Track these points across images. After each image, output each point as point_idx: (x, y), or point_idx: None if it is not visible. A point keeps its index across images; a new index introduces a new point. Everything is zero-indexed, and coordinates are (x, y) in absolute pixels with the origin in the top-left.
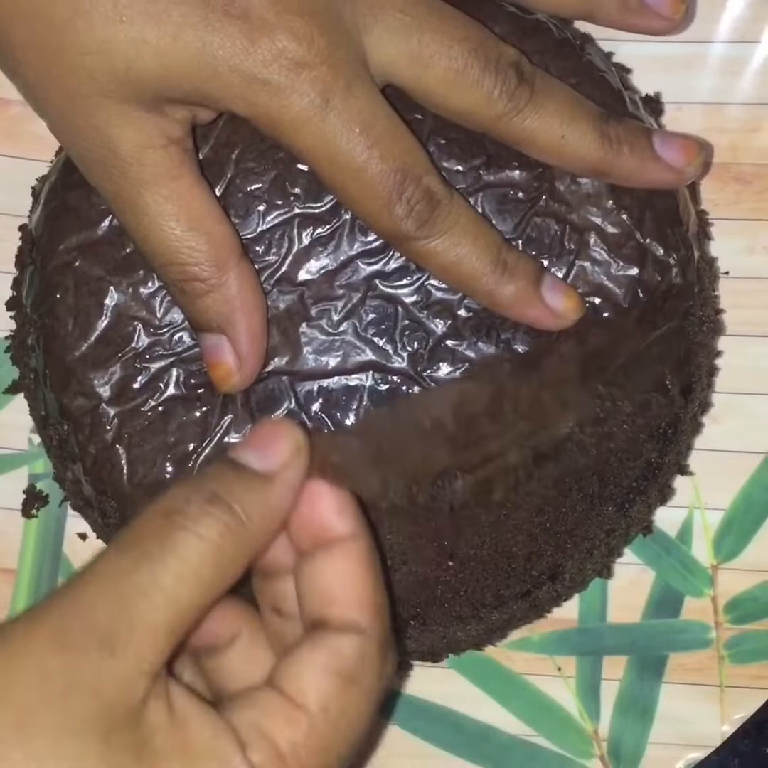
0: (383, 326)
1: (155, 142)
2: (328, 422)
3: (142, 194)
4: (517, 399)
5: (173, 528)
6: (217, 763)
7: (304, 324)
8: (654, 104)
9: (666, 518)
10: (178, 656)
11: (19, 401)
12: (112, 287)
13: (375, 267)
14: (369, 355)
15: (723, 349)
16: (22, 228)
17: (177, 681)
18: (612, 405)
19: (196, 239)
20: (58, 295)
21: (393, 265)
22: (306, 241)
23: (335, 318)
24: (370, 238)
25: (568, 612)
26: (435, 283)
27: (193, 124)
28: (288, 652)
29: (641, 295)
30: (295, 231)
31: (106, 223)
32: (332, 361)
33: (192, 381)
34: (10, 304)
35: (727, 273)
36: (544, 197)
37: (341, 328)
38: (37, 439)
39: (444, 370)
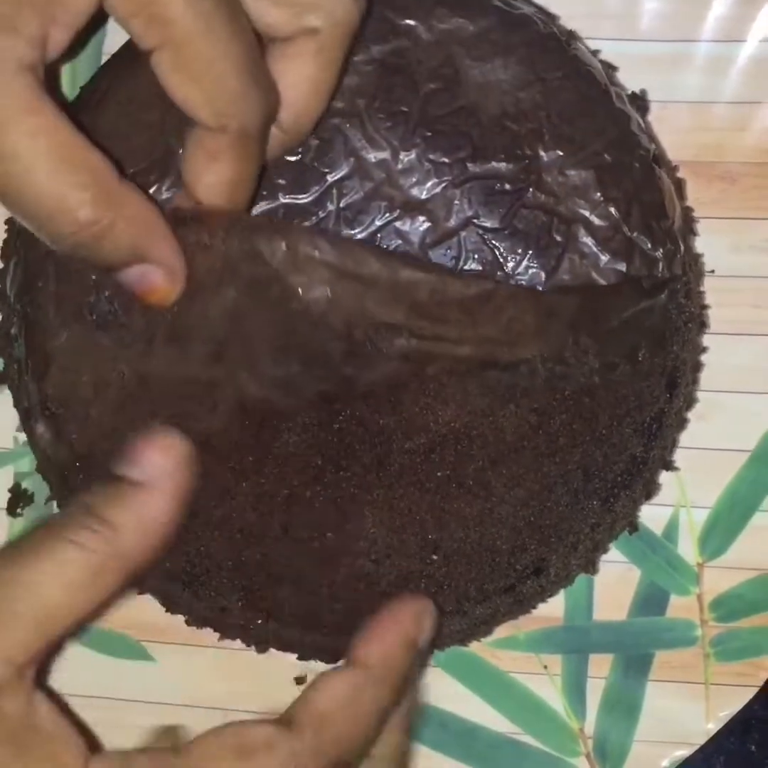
0: None
1: (6, 67)
2: None
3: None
4: (499, 308)
5: (49, 535)
6: (52, 756)
7: None
8: (640, 101)
9: (652, 516)
10: (52, 659)
11: (3, 399)
12: (92, 275)
13: None
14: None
15: (708, 347)
16: (9, 221)
17: (48, 691)
18: (581, 354)
19: (79, 175)
20: (39, 284)
21: None
22: None
23: None
24: (356, 230)
25: (554, 610)
26: None
27: (45, 47)
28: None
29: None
30: None
31: None
32: None
33: None
34: None
35: (712, 271)
36: (531, 189)
37: None
38: (22, 437)
39: None
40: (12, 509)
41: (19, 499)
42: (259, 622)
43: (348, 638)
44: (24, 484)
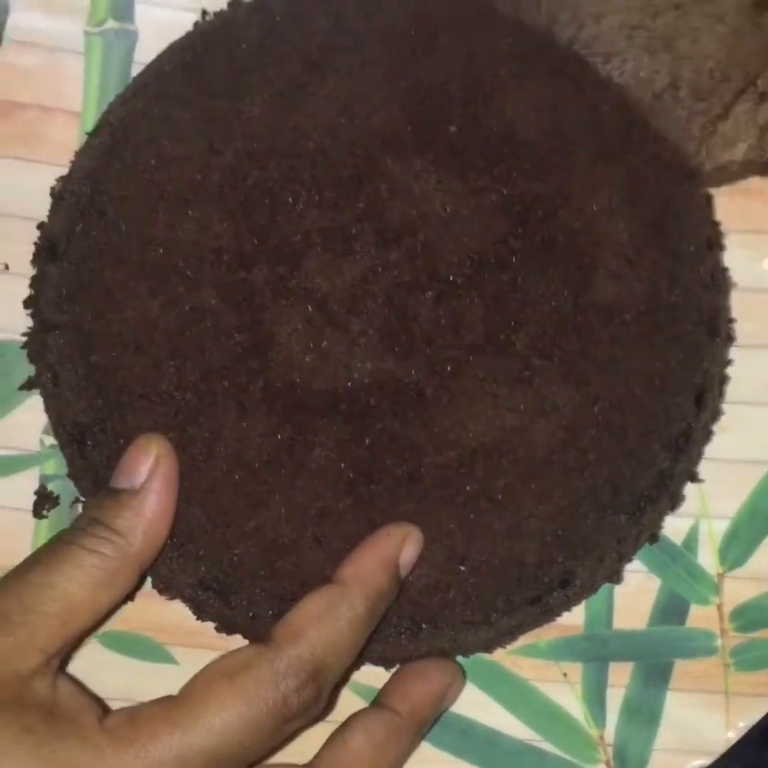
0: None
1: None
2: None
3: None
4: None
5: (64, 544)
6: (73, 723)
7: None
8: None
9: (672, 526)
10: (74, 649)
11: (31, 402)
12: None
13: None
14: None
15: (734, 359)
16: (41, 226)
17: (68, 675)
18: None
19: None
20: (84, 295)
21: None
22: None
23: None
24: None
25: (574, 618)
26: None
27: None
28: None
29: (657, 305)
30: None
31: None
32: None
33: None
34: (27, 303)
35: (736, 284)
36: (560, 210)
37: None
38: (48, 440)
39: None
40: (38, 511)
41: (44, 500)
42: None
43: (377, 646)
44: (50, 487)
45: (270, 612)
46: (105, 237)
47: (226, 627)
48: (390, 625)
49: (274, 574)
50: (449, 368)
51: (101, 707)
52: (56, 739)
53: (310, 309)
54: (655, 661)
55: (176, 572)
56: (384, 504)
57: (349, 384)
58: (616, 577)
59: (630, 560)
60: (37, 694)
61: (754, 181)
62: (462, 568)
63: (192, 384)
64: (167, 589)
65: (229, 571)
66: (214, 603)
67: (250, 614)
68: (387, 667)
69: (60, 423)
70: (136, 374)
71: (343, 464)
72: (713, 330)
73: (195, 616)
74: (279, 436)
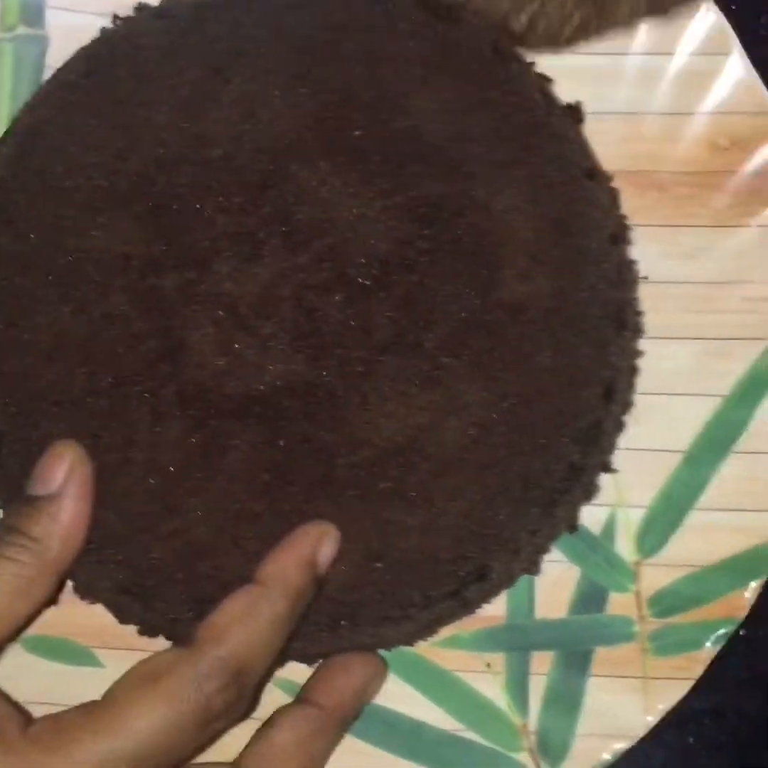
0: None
1: None
2: None
3: None
4: None
5: None
6: None
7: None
8: (575, 113)
9: (590, 516)
10: None
11: None
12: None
13: None
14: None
15: (644, 351)
16: None
17: None
18: None
19: None
20: None
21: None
22: None
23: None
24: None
25: (496, 609)
26: None
27: None
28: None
29: (563, 301)
30: None
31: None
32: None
33: None
34: None
35: (646, 277)
36: (465, 211)
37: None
38: None
39: None
40: None
41: None
42: None
43: (297, 644)
44: None
45: (190, 614)
46: (14, 245)
47: (147, 630)
48: (309, 622)
49: (192, 576)
50: (360, 369)
51: (24, 715)
52: None
53: (220, 313)
54: (576, 648)
55: (95, 577)
56: (300, 504)
57: (262, 387)
58: (534, 568)
59: (547, 551)
60: None
61: (663, 176)
62: (378, 564)
63: (104, 390)
64: (87, 593)
65: (148, 575)
66: (135, 607)
67: (171, 617)
68: (309, 662)
69: None
70: (48, 381)
71: (258, 466)
72: (620, 323)
73: (118, 621)
74: (193, 440)
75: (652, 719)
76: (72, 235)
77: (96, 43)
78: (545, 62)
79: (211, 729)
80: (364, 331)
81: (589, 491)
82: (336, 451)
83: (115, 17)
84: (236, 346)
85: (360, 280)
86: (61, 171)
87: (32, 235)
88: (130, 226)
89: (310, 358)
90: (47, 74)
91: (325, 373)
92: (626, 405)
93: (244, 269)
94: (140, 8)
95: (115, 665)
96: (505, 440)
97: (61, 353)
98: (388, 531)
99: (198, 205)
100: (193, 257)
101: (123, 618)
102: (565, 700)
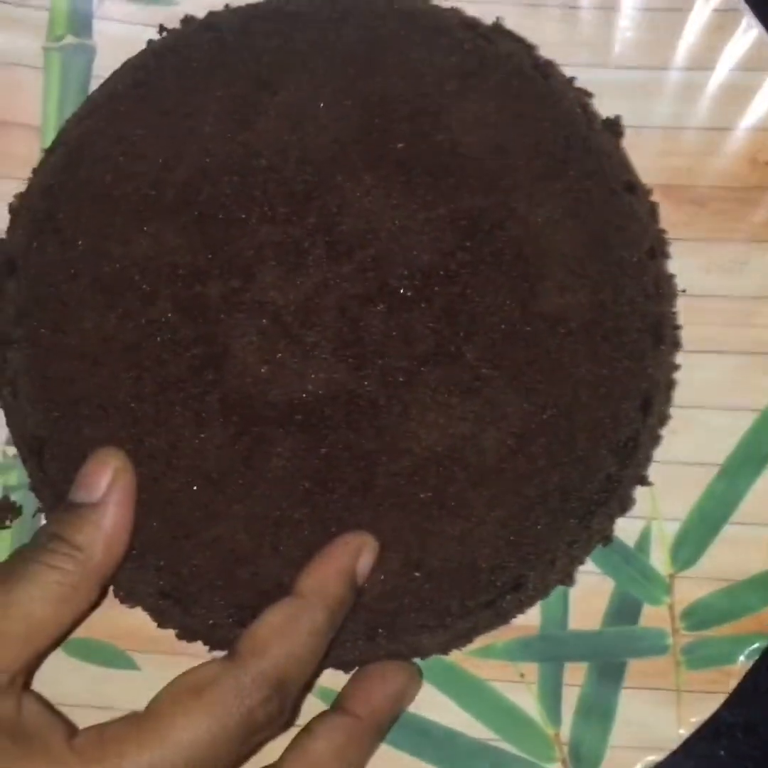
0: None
1: None
2: None
3: None
4: None
5: (25, 562)
6: (42, 742)
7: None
8: (614, 127)
9: (625, 528)
10: (39, 666)
11: None
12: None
13: None
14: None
15: (681, 364)
16: (1, 244)
17: (34, 694)
18: None
19: None
20: (41, 309)
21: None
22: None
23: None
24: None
25: (530, 620)
26: None
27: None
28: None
29: (602, 314)
30: None
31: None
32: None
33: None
34: None
35: (684, 291)
36: (506, 223)
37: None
38: (11, 450)
39: None
40: (1, 521)
41: (7, 511)
42: None
43: (334, 651)
44: (13, 497)
45: (229, 620)
46: (61, 253)
47: (186, 634)
48: (346, 630)
49: (232, 583)
50: (401, 378)
51: (69, 726)
52: (24, 758)
53: (264, 322)
54: (609, 660)
55: (136, 582)
56: (340, 512)
57: (304, 395)
58: (568, 579)
59: (582, 562)
60: (2, 714)
61: (701, 191)
62: (417, 573)
63: (149, 395)
64: (128, 598)
65: (189, 580)
66: (174, 612)
67: (210, 622)
68: (345, 670)
69: (20, 436)
70: (93, 386)
71: (299, 474)
72: (658, 337)
73: (156, 624)
74: (236, 447)
75: (684, 732)
76: (119, 243)
77: (144, 55)
78: (585, 76)
79: (253, 741)
80: (406, 341)
81: (624, 503)
82: (377, 459)
83: (162, 28)
84: (279, 354)
85: (402, 291)
86: (109, 180)
87: (80, 243)
88: (176, 234)
89: (352, 368)
90: (94, 84)
91: (366, 382)
92: (662, 418)
93: (288, 278)
94: (187, 21)
95: (151, 669)
96: (544, 451)
97: (106, 359)
98: (428, 540)
99: (243, 215)
100: (238, 266)
101: (162, 622)
102: (598, 711)
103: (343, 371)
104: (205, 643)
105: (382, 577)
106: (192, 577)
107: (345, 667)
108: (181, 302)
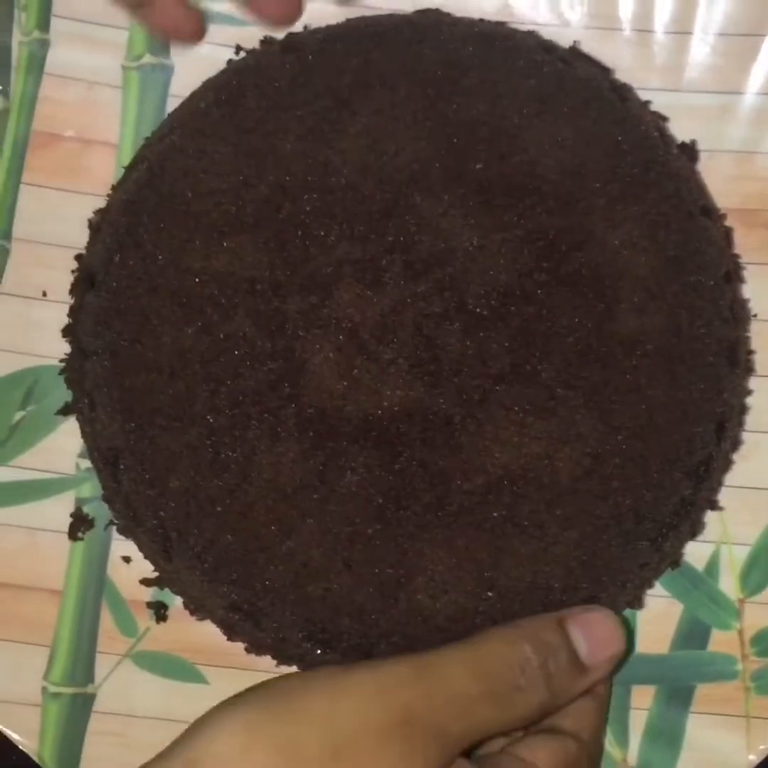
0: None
1: None
2: None
3: None
4: None
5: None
6: None
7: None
8: (690, 152)
9: (694, 552)
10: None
11: (67, 426)
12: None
13: None
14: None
15: (753, 389)
16: (78, 257)
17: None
18: None
19: None
20: (121, 321)
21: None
22: None
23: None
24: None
25: None
26: None
27: None
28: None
29: (678, 337)
30: None
31: (167, 258)
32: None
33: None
34: (65, 331)
35: (756, 315)
36: (583, 244)
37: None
38: (84, 463)
39: None
40: (73, 533)
41: (80, 523)
42: (318, 652)
43: None
44: (85, 510)
45: (299, 634)
46: (141, 266)
47: (256, 648)
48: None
49: (304, 598)
50: (476, 397)
51: None
52: None
53: (341, 338)
54: (678, 684)
55: (208, 595)
56: (412, 529)
57: (379, 411)
58: (637, 603)
59: (651, 586)
60: None
61: None
62: (490, 593)
63: (225, 408)
64: (199, 610)
65: (261, 595)
66: (245, 626)
67: (281, 637)
68: None
69: (95, 447)
70: (170, 398)
71: (373, 489)
72: (733, 361)
73: (226, 637)
74: (310, 462)
75: (754, 758)
76: (198, 258)
77: (225, 74)
78: (658, 100)
79: None
80: (482, 360)
81: (695, 527)
82: (451, 477)
83: (238, 48)
84: (356, 370)
85: (478, 310)
86: (190, 196)
87: (160, 257)
88: (255, 250)
89: (428, 385)
90: (171, 103)
91: (442, 400)
92: (735, 443)
93: (365, 296)
94: (267, 41)
95: (221, 683)
96: (619, 472)
97: (183, 372)
98: (500, 559)
99: (322, 232)
100: (316, 282)
101: (232, 635)
102: (667, 736)
103: (419, 388)
104: (273, 657)
105: (455, 596)
106: (264, 592)
107: None
108: (259, 317)
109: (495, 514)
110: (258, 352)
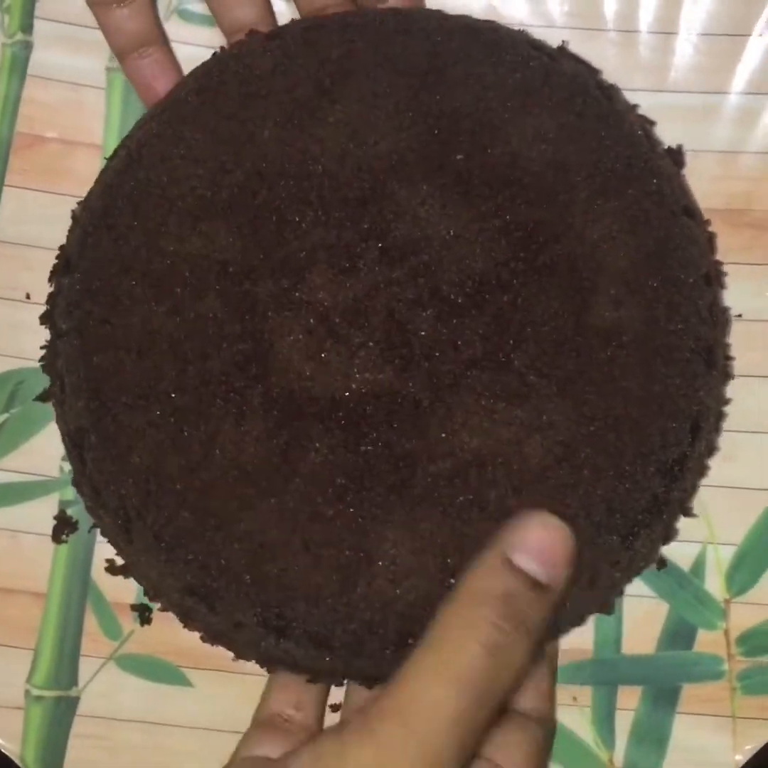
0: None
1: None
2: None
3: None
4: None
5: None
6: None
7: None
8: (676, 155)
9: (680, 552)
10: None
11: (51, 428)
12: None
13: None
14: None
15: (737, 388)
16: (61, 247)
17: None
18: None
19: None
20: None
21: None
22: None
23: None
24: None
25: (583, 643)
26: None
27: None
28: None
29: (655, 331)
30: None
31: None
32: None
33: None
34: (43, 318)
35: (740, 315)
36: (561, 237)
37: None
38: (68, 466)
39: None
40: (57, 536)
41: (64, 526)
42: (272, 639)
43: (359, 661)
44: (69, 512)
45: (254, 619)
46: (114, 247)
47: (211, 636)
48: (374, 639)
49: (259, 579)
50: (447, 382)
51: None
52: None
53: (312, 321)
54: (664, 684)
55: (165, 576)
56: (375, 511)
57: (347, 393)
58: (607, 607)
59: (620, 593)
60: None
61: (760, 215)
62: (452, 580)
63: (191, 388)
64: (157, 596)
65: (216, 576)
66: (200, 609)
67: (235, 621)
68: (370, 685)
69: (65, 431)
70: (136, 376)
71: (336, 470)
72: (710, 362)
73: (182, 624)
74: (274, 441)
75: (741, 758)
76: (172, 240)
77: (207, 63)
78: (643, 100)
79: None
80: (454, 346)
81: (669, 532)
82: (416, 459)
83: (222, 49)
84: (325, 353)
85: (452, 297)
86: (166, 181)
87: (133, 239)
88: (229, 234)
89: (398, 369)
90: None
91: (411, 383)
92: (711, 446)
93: (338, 280)
94: (252, 33)
95: (205, 686)
96: (590, 462)
97: (150, 351)
98: (465, 545)
99: (297, 218)
100: (288, 266)
101: (188, 622)
102: (653, 736)
103: (389, 372)
104: (228, 648)
105: (416, 582)
106: (219, 571)
107: (370, 682)
108: (230, 299)
109: (461, 499)
110: (227, 333)
